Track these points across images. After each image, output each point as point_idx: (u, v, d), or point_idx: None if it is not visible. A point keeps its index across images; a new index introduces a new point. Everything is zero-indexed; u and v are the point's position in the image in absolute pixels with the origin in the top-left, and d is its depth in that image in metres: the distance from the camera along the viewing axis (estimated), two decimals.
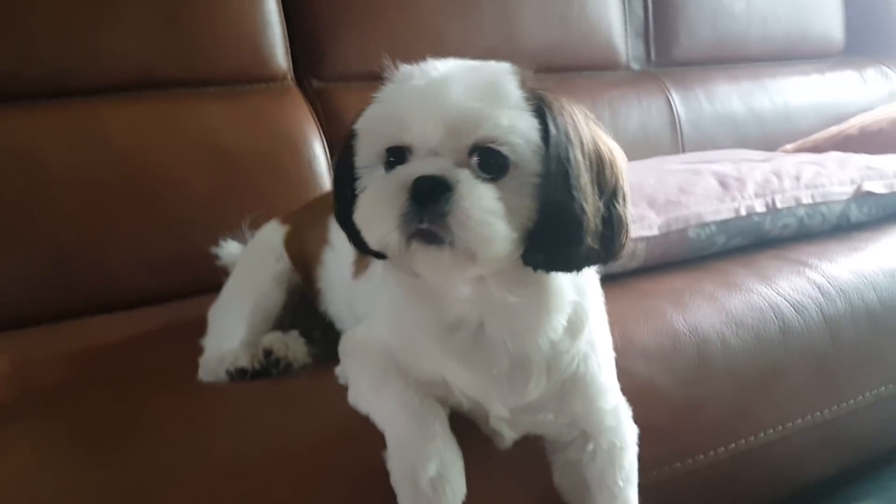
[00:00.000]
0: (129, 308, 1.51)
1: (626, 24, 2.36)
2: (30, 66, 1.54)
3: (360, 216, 0.77)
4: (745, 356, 1.23)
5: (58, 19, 1.55)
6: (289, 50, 1.82)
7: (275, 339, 1.10)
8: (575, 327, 0.86)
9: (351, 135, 0.82)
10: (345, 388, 0.96)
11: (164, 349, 1.26)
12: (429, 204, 0.71)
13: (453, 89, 0.74)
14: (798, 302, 1.32)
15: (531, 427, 0.93)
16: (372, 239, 0.76)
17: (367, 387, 0.92)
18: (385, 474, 0.86)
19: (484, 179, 0.73)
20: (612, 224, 0.78)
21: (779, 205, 1.52)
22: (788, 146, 2.38)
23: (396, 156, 0.77)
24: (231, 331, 1.12)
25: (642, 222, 1.36)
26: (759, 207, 1.49)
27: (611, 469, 0.94)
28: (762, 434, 1.25)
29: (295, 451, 0.93)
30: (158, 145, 1.61)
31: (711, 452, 1.19)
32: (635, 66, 2.41)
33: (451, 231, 0.71)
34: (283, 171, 1.70)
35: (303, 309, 1.17)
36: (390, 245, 0.74)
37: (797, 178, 1.59)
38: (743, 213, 1.47)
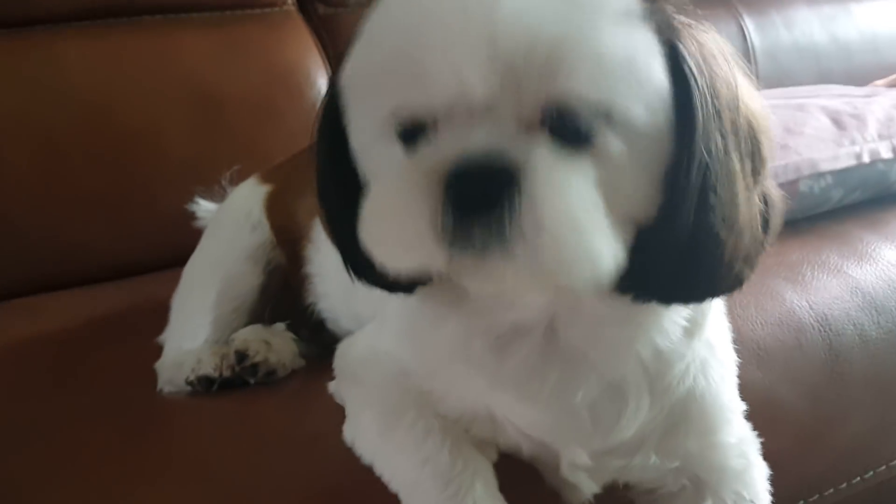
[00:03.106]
0: (95, 282, 1.29)
1: None
2: None
3: (369, 235, 0.49)
4: (889, 354, 0.94)
5: None
6: None
7: (251, 337, 0.84)
8: (694, 322, 0.59)
9: (334, 90, 0.53)
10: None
11: (123, 342, 1.01)
12: (481, 211, 0.44)
13: None
14: None
15: (620, 474, 0.66)
16: (392, 269, 0.49)
17: (371, 427, 0.64)
18: None
19: (568, 151, 0.46)
20: (769, 215, 0.54)
21: None
22: (879, 82, 2.05)
23: (416, 124, 0.48)
24: (193, 325, 0.88)
25: None
26: (886, 153, 1.19)
27: None
28: None
29: None
30: (129, 87, 1.37)
31: (844, 485, 0.92)
32: None
33: (520, 241, 0.44)
34: (281, 118, 1.44)
35: (289, 296, 0.88)
36: (424, 276, 0.49)
37: None
38: (866, 159, 1.17)
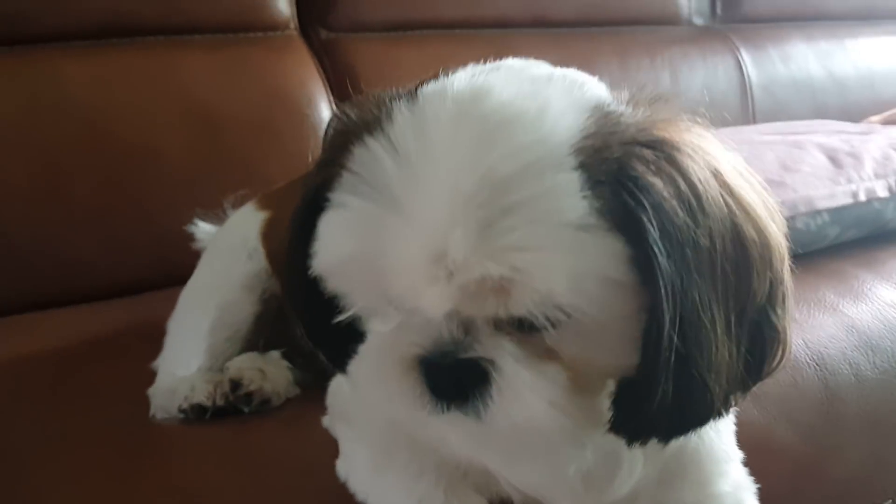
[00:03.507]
0: (92, 300, 1.27)
1: None
2: None
3: (359, 384, 0.54)
4: (883, 391, 0.94)
5: None
6: None
7: (246, 366, 0.82)
8: None
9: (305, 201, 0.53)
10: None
11: (118, 363, 0.99)
12: (454, 396, 0.48)
13: (454, 213, 0.43)
14: None
15: None
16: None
17: (365, 466, 0.64)
18: None
19: (535, 333, 0.47)
20: (761, 348, 0.50)
21: None
22: (874, 118, 2.06)
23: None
24: (187, 352, 0.86)
25: None
26: (882, 192, 1.19)
27: None
28: None
29: None
30: (129, 106, 1.35)
31: None
32: (698, 20, 2.12)
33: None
34: (281, 140, 1.43)
35: (283, 325, 0.87)
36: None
37: None
38: (862, 197, 1.17)
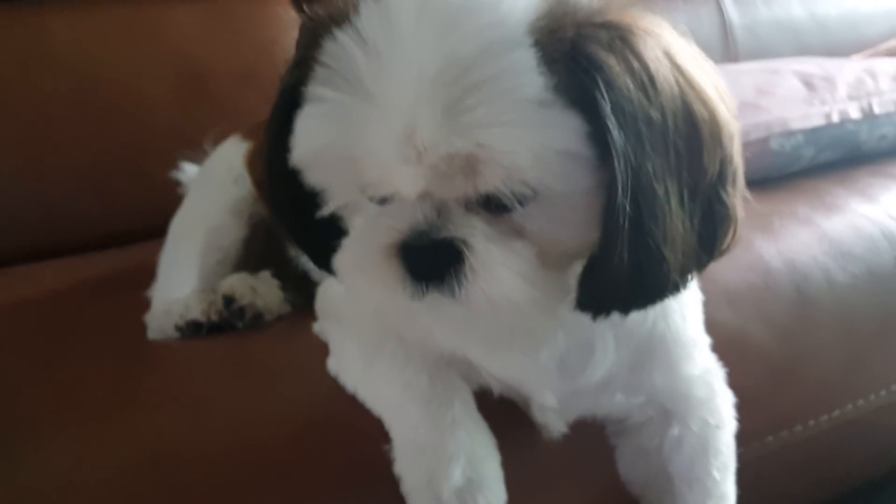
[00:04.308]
0: (82, 251, 1.28)
1: None
2: None
3: (344, 273, 0.56)
4: (856, 296, 0.96)
5: None
6: None
7: (238, 283, 0.85)
8: None
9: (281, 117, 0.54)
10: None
11: (114, 301, 1.01)
12: (433, 276, 0.51)
13: (420, 95, 0.46)
14: None
15: (588, 411, 0.69)
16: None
17: (354, 359, 0.67)
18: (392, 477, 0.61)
19: (503, 212, 0.50)
20: (713, 224, 0.53)
21: (876, 110, 1.24)
22: (858, 56, 2.07)
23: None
24: (180, 277, 0.89)
25: None
26: (854, 113, 1.21)
27: (703, 457, 0.69)
28: (874, 396, 0.98)
29: (264, 444, 0.67)
30: (115, 60, 1.36)
31: (813, 421, 0.93)
32: None
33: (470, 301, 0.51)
34: (267, 89, 1.35)
35: (272, 248, 0.90)
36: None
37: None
38: (835, 118, 1.19)
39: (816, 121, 1.17)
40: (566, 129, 0.47)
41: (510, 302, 0.50)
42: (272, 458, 0.65)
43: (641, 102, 0.47)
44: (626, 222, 0.47)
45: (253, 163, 0.94)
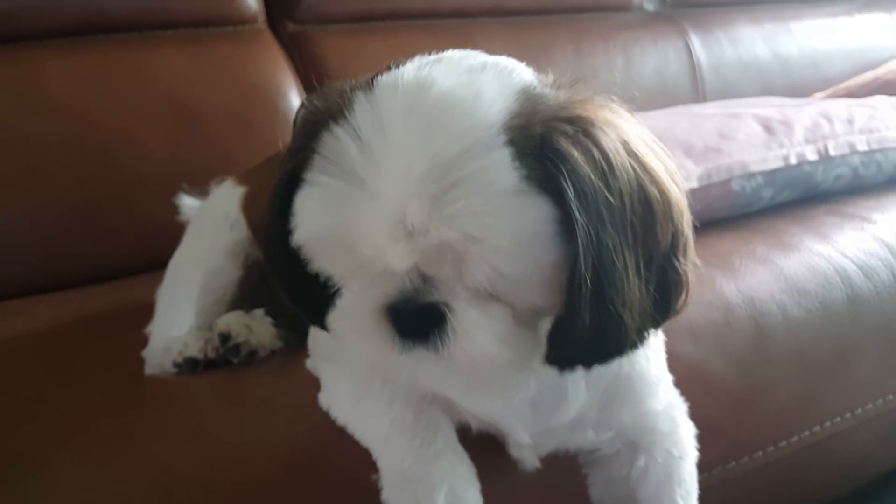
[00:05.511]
0: (78, 286, 1.31)
1: None
2: None
3: (338, 331, 0.63)
4: (811, 330, 1.03)
5: None
6: None
7: (233, 321, 0.89)
8: None
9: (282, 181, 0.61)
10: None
11: (110, 336, 1.05)
12: (420, 336, 0.57)
13: (410, 189, 0.52)
14: (865, 264, 1.12)
15: (562, 445, 0.75)
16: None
17: (344, 395, 0.73)
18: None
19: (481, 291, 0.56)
20: (667, 289, 0.59)
21: (832, 152, 1.32)
22: (819, 95, 2.16)
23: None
24: (178, 315, 0.92)
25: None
26: (811, 155, 1.29)
27: (668, 485, 0.75)
28: (829, 423, 1.05)
29: (261, 474, 0.72)
30: (109, 101, 1.39)
31: (772, 448, 1.00)
32: (648, 6, 2.21)
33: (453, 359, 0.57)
34: (254, 128, 1.48)
35: (265, 288, 0.95)
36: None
37: (850, 122, 1.38)
38: (793, 161, 1.27)
39: (774, 163, 1.25)
40: (537, 214, 0.53)
41: (487, 359, 0.56)
42: (270, 487, 0.70)
43: (601, 187, 0.53)
44: (589, 291, 0.53)
45: (248, 206, 0.98)
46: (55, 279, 1.32)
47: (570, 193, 0.52)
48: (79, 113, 1.37)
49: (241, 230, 0.97)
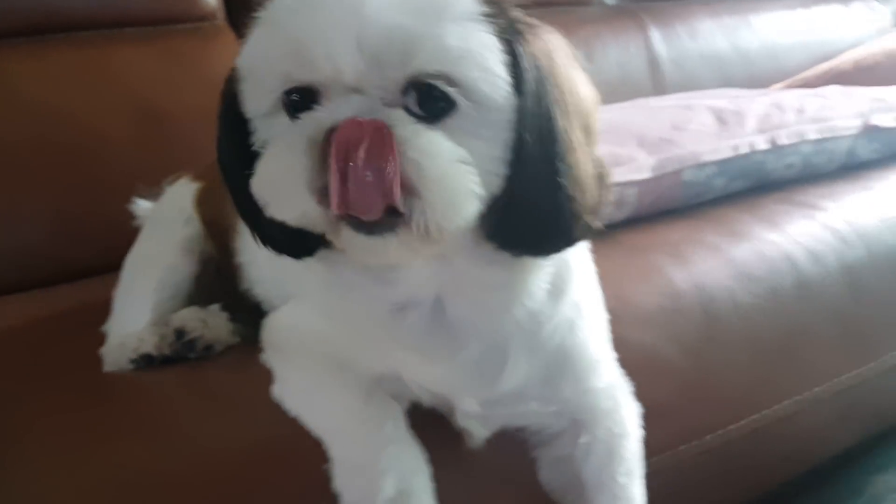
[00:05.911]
0: (44, 286, 1.31)
1: None
2: None
3: (260, 189, 0.56)
4: (759, 315, 1.05)
5: None
6: None
7: (188, 317, 0.90)
8: (556, 287, 0.68)
9: (233, 77, 0.60)
10: None
11: (78, 335, 1.02)
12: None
13: None
14: (813, 249, 1.15)
15: (509, 420, 0.76)
16: (283, 219, 0.56)
17: (296, 386, 0.74)
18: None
19: (427, 122, 0.54)
20: (604, 176, 0.62)
21: (782, 141, 1.34)
22: (777, 86, 2.21)
23: (302, 97, 0.56)
24: (134, 312, 0.93)
25: (631, 164, 1.17)
26: (762, 144, 1.31)
27: (610, 463, 0.76)
28: (780, 406, 1.07)
29: (223, 467, 0.73)
30: (74, 101, 1.39)
31: (722, 431, 1.01)
32: (609, 0, 2.24)
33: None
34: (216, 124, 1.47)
35: (221, 283, 0.96)
36: (310, 226, 0.55)
37: (801, 112, 1.41)
38: (744, 150, 1.29)
39: (726, 153, 1.27)
40: (490, 45, 0.54)
41: (445, 174, 0.52)
42: (229, 478, 0.71)
43: (548, 71, 0.57)
44: (536, 150, 0.55)
45: (202, 202, 0.99)
46: (24, 279, 1.31)
47: (525, 59, 0.55)
48: (44, 112, 1.36)
49: (195, 226, 0.98)
